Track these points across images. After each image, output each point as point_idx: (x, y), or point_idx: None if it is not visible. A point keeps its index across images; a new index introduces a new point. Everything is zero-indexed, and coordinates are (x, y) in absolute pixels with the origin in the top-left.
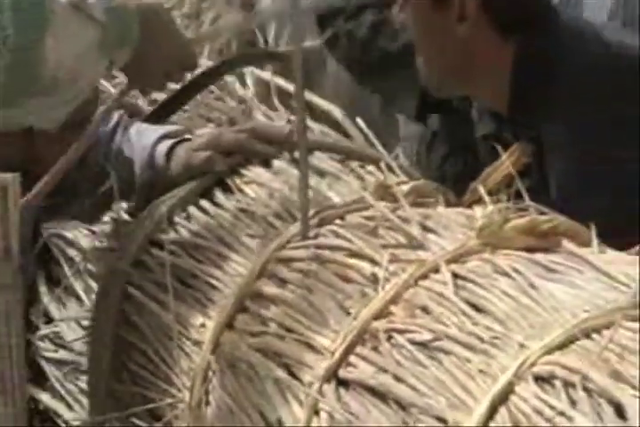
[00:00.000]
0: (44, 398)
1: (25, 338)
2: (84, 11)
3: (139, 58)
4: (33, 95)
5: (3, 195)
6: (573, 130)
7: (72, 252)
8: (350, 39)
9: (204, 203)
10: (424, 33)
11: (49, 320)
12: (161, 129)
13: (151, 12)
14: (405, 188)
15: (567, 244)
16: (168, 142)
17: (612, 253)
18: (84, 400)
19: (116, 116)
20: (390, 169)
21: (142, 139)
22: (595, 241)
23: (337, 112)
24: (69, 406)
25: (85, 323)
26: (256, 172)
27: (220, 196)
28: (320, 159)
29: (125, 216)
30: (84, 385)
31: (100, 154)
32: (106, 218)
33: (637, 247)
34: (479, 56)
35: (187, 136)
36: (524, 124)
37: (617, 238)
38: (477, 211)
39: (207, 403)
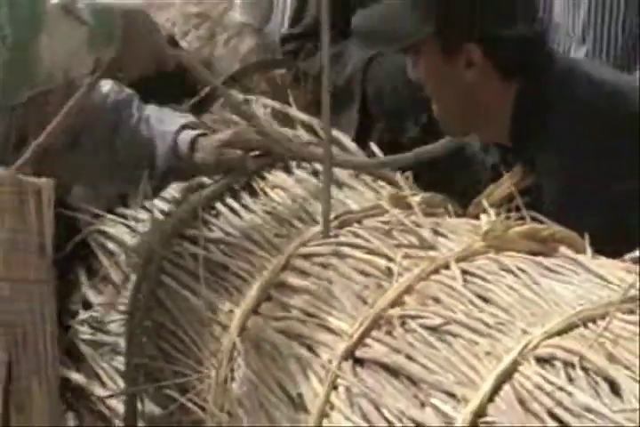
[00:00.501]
0: (79, 377)
1: (63, 324)
2: (74, 12)
3: (122, 52)
4: (30, 89)
5: (37, 197)
6: (564, 158)
7: (111, 245)
8: (307, 75)
9: (233, 204)
10: (437, 83)
11: (87, 307)
12: (180, 117)
13: (134, 15)
14: (417, 198)
15: (564, 249)
16: (191, 133)
17: (603, 260)
18: (118, 378)
19: (108, 85)
20: (399, 184)
21: (163, 125)
22: (588, 248)
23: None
24: (103, 384)
25: (121, 308)
26: (280, 177)
27: (246, 198)
28: (338, 172)
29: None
30: (117, 364)
31: (108, 121)
32: (142, 215)
33: (626, 256)
34: (485, 97)
35: (202, 130)
36: (522, 155)
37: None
38: (483, 219)
39: (232, 379)
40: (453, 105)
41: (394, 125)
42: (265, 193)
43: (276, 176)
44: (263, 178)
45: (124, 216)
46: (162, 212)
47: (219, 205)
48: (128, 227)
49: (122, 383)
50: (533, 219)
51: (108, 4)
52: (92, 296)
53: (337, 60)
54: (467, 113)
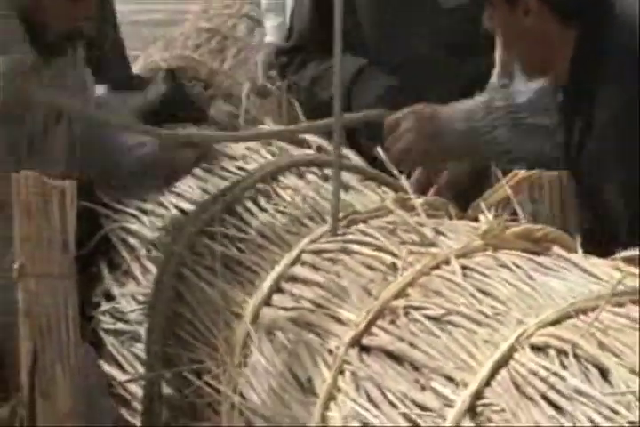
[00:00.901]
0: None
1: (86, 314)
2: None
3: None
4: None
5: (61, 198)
6: (623, 88)
7: (132, 240)
8: (297, 88)
9: (249, 204)
10: (506, 31)
11: (109, 298)
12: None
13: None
14: (420, 200)
15: (556, 248)
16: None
17: (593, 259)
18: (138, 365)
19: None
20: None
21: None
22: (579, 247)
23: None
24: (123, 370)
25: (141, 299)
26: (292, 180)
27: (261, 199)
28: (345, 176)
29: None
30: (137, 351)
31: None
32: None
33: (617, 255)
34: (546, 42)
35: None
36: (581, 95)
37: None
38: (481, 220)
39: (245, 365)
40: (521, 50)
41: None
42: (278, 194)
43: (289, 179)
44: (277, 181)
45: (144, 212)
46: (181, 210)
47: (236, 206)
48: (145, 223)
49: (141, 369)
50: None
51: None
52: (114, 288)
53: (326, 75)
54: (532, 57)
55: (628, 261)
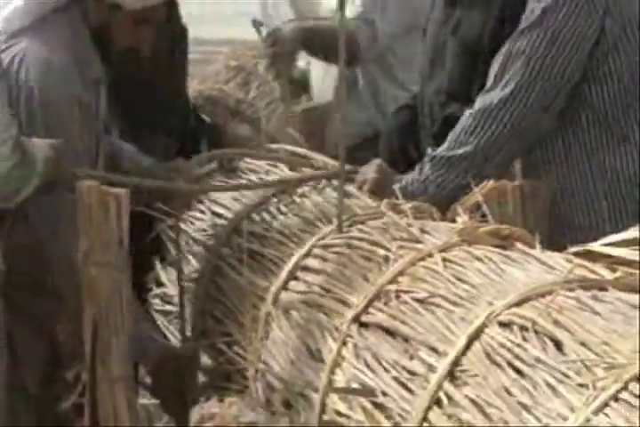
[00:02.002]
0: None
1: (142, 297)
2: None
3: None
4: None
5: (117, 203)
6: None
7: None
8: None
9: (271, 208)
10: None
11: (159, 284)
12: None
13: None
14: (408, 205)
15: (519, 244)
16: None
17: (549, 252)
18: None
19: None
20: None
21: None
22: (538, 244)
23: None
24: None
25: (185, 285)
26: (305, 190)
27: (280, 205)
28: (346, 187)
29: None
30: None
31: None
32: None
33: (569, 249)
34: None
35: None
36: None
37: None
38: (458, 221)
39: (267, 338)
40: None
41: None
42: (294, 201)
43: (303, 189)
44: (293, 190)
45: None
46: (215, 213)
47: (260, 210)
48: (187, 224)
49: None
50: None
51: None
52: (163, 276)
53: None
54: None
55: (577, 254)
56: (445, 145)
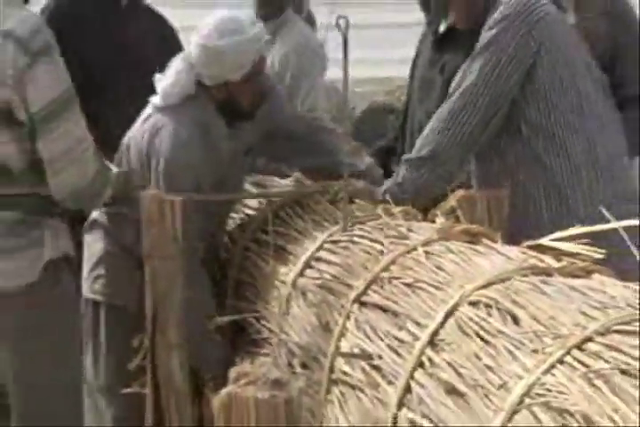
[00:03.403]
0: None
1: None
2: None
3: None
4: None
5: (173, 209)
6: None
7: None
8: None
9: (289, 211)
10: None
11: None
12: None
13: None
14: (398, 210)
15: (485, 240)
16: None
17: (508, 247)
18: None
19: None
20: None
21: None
22: (499, 240)
23: None
24: None
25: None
26: (317, 196)
27: (297, 209)
28: None
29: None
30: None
31: None
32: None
33: (524, 244)
34: None
35: None
36: None
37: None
38: (437, 222)
39: (288, 313)
40: None
41: None
42: (309, 205)
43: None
44: (308, 198)
45: None
46: (246, 214)
47: (281, 213)
48: None
49: None
50: None
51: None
52: None
53: None
54: None
55: (530, 247)
56: (414, 149)
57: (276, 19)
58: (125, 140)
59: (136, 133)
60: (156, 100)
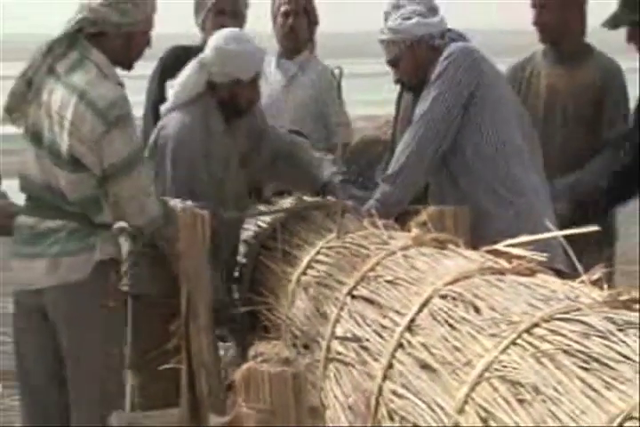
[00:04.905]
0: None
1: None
2: None
3: None
4: None
5: (203, 221)
6: None
7: None
8: None
9: (293, 222)
10: None
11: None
12: None
13: None
14: (381, 222)
15: (451, 246)
16: None
17: (470, 251)
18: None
19: None
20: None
21: None
22: (463, 245)
23: None
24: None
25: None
26: (315, 213)
27: (301, 222)
28: None
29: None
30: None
31: None
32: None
33: (483, 249)
34: None
35: None
36: None
37: None
38: (413, 232)
39: (292, 305)
40: None
41: None
42: (309, 218)
43: (315, 213)
44: (308, 212)
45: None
46: (258, 226)
47: (287, 225)
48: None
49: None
50: None
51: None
52: None
53: None
54: None
55: (488, 251)
56: (389, 168)
57: (299, 56)
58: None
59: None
60: (165, 105)
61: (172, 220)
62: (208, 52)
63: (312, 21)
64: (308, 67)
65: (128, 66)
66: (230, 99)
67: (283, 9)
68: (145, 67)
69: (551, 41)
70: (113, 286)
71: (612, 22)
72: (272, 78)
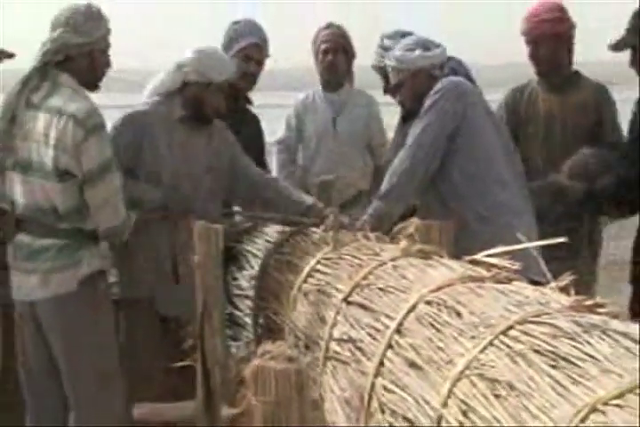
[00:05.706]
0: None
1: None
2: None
3: None
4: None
5: (216, 235)
6: None
7: (246, 253)
8: None
9: (297, 238)
10: None
11: (235, 279)
12: None
13: None
14: (373, 235)
15: (436, 257)
16: None
17: (452, 261)
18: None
19: None
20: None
21: None
22: (445, 255)
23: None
24: (241, 311)
25: (248, 278)
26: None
27: (302, 236)
28: None
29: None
30: (248, 303)
31: None
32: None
33: (464, 258)
34: None
35: None
36: None
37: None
38: (401, 244)
39: (294, 309)
40: None
41: None
42: (308, 234)
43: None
44: (308, 228)
45: (252, 241)
46: (266, 240)
47: (290, 239)
48: (252, 245)
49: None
50: None
51: None
52: (238, 274)
53: None
54: None
55: (469, 261)
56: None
57: (342, 89)
58: None
59: None
60: (139, 101)
61: (129, 224)
62: (186, 56)
63: (349, 56)
64: (353, 99)
65: (94, 86)
66: (196, 101)
67: (323, 47)
68: (133, 98)
69: (545, 72)
70: (102, 296)
71: (617, 46)
72: (320, 110)
